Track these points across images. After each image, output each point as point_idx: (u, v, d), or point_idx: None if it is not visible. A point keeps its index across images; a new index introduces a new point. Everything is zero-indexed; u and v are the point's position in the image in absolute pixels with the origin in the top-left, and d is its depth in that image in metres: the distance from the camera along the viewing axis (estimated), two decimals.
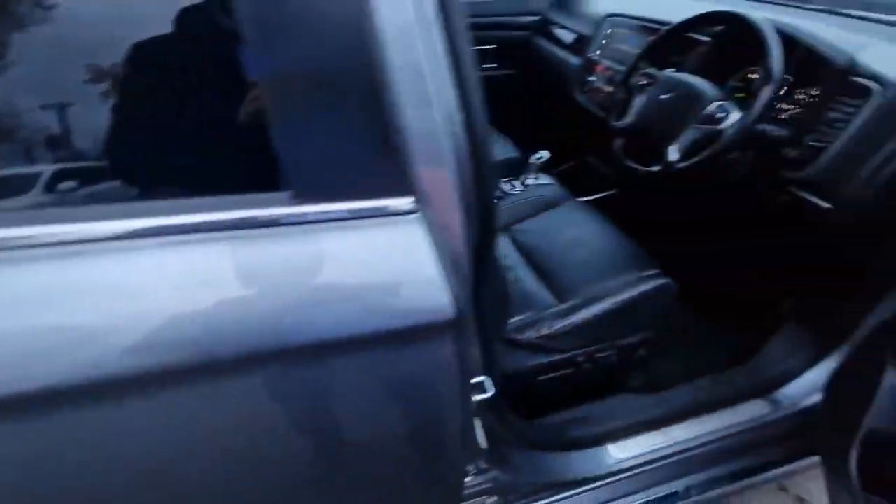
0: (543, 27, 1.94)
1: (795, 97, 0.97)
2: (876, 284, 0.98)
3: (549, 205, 1.38)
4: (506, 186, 1.60)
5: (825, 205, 0.94)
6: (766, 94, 0.88)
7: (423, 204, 0.45)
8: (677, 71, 1.13)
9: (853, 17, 1.08)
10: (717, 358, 1.25)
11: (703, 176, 1.03)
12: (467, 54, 0.47)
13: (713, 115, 0.96)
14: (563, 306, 1.04)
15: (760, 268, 1.24)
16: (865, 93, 0.85)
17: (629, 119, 1.15)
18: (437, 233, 0.45)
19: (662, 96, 1.06)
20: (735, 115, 0.93)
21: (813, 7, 1.17)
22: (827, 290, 1.10)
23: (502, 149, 1.70)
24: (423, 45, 0.43)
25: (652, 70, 1.15)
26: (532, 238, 1.28)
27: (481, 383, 0.63)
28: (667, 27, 1.17)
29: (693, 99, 1.00)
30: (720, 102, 0.96)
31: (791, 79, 0.98)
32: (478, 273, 0.52)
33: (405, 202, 0.44)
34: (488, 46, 2.03)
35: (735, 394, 1.15)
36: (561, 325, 1.01)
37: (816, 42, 0.94)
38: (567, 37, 1.76)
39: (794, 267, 1.16)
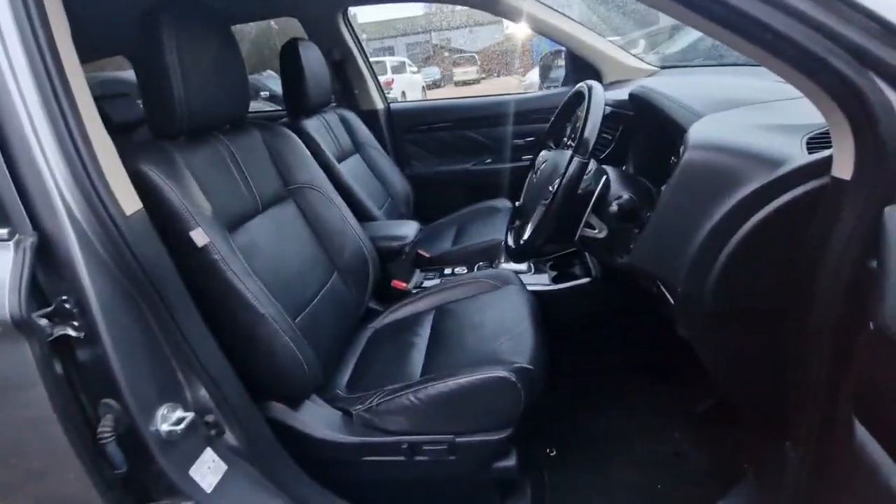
0: None
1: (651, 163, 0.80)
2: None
3: (489, 287, 1.31)
4: (477, 269, 1.58)
5: (671, 300, 0.72)
6: (573, 165, 0.77)
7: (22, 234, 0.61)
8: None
9: None
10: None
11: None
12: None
13: (551, 191, 0.86)
14: (398, 384, 0.98)
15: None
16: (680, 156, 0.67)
17: (520, 200, 1.09)
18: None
19: (535, 174, 0.99)
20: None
21: None
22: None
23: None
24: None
25: (547, 149, 1.08)
26: (450, 317, 1.23)
27: None
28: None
29: (549, 175, 0.92)
30: (559, 178, 0.86)
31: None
32: None
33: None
34: None
35: None
36: (383, 401, 0.94)
37: (668, 106, 0.79)
38: None
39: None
